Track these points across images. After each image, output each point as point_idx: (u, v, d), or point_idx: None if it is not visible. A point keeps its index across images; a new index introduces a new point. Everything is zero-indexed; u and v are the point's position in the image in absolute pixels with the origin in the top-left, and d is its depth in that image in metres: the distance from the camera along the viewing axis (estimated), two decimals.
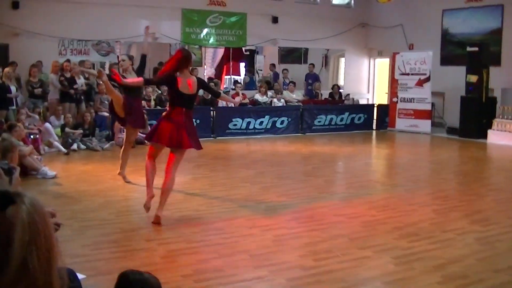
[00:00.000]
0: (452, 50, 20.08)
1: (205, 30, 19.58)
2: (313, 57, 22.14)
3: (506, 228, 7.50)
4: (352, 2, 22.34)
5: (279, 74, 21.03)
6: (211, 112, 16.71)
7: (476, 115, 17.43)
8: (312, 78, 20.85)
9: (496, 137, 16.74)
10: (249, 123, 17.10)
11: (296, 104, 18.77)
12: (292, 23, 20.76)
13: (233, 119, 16.88)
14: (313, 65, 21.23)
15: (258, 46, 21.30)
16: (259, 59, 22.28)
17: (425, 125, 18.71)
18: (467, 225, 7.55)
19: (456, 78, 18.39)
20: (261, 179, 10.50)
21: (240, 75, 21.57)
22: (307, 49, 22.03)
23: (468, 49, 17.86)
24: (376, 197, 9.22)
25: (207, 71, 20.83)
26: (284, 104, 18.46)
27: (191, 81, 7.41)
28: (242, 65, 22.07)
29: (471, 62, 17.65)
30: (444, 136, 17.96)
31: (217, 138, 16.39)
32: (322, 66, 22.69)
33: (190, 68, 7.82)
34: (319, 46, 21.77)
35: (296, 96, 19.31)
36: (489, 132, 17.01)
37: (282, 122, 17.69)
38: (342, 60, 23.23)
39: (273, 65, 21.59)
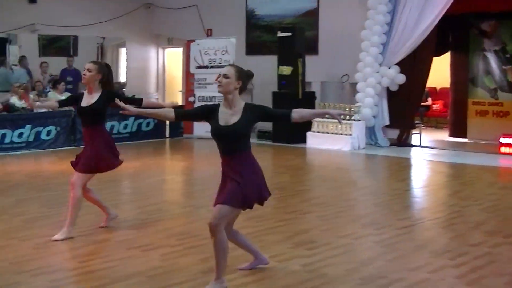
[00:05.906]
0: (260, 36, 20.66)
1: None
2: (85, 47, 21.84)
3: (336, 249, 7.81)
4: None
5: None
6: None
7: None
8: (72, 75, 20.41)
9: (316, 140, 17.41)
10: (4, 135, 16.48)
11: (67, 109, 18.31)
12: (56, 3, 20.36)
13: None
14: (72, 57, 20.90)
15: (11, 33, 20.67)
16: (12, 50, 21.51)
17: None
18: (289, 249, 7.78)
19: (266, 70, 18.93)
20: (24, 209, 10.17)
21: None
22: (76, 38, 21.69)
23: (279, 34, 18.39)
24: (175, 222, 9.26)
25: None
26: (51, 110, 17.94)
27: None
28: None
29: (283, 51, 18.22)
30: (254, 142, 18.37)
31: None
32: (98, 58, 22.38)
33: None
34: (91, 33, 21.57)
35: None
36: (308, 134, 17.65)
37: (48, 133, 17.23)
38: (123, 51, 23.22)
39: (23, 57, 20.94)
